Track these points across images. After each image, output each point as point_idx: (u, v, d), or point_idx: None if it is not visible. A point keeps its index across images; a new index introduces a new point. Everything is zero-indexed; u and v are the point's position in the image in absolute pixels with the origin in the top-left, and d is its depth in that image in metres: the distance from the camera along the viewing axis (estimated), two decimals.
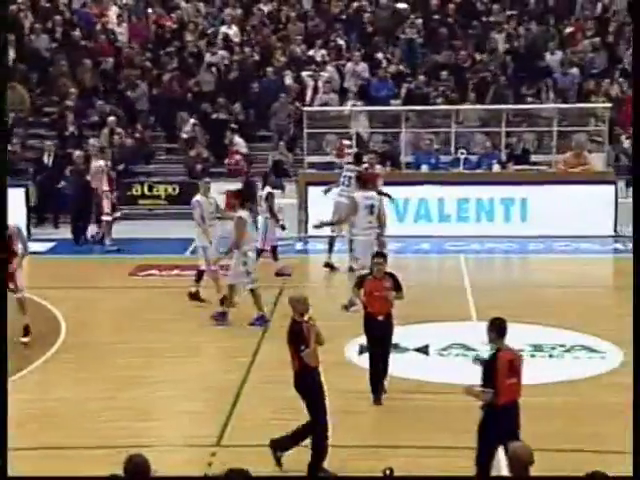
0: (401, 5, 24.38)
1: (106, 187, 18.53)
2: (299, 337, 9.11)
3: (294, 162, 20.91)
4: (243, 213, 13.78)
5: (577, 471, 8.31)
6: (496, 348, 8.28)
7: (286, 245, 17.65)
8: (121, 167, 20.40)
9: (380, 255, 11.33)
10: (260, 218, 16.24)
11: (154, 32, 24.59)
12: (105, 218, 18.59)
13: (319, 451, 9.01)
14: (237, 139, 21.33)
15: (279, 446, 9.21)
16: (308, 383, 9.13)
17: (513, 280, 16.47)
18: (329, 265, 16.71)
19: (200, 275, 14.79)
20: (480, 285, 15.46)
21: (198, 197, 14.94)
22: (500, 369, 8.12)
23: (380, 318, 10.87)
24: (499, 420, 8.11)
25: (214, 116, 22.02)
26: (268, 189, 16.53)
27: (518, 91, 22.07)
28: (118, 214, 18.91)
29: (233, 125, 21.58)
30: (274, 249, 16.42)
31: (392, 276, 11.01)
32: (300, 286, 16.05)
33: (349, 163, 17.02)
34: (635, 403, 8.77)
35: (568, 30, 23.42)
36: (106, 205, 18.51)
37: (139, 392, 11.36)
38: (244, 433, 10.17)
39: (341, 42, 23.72)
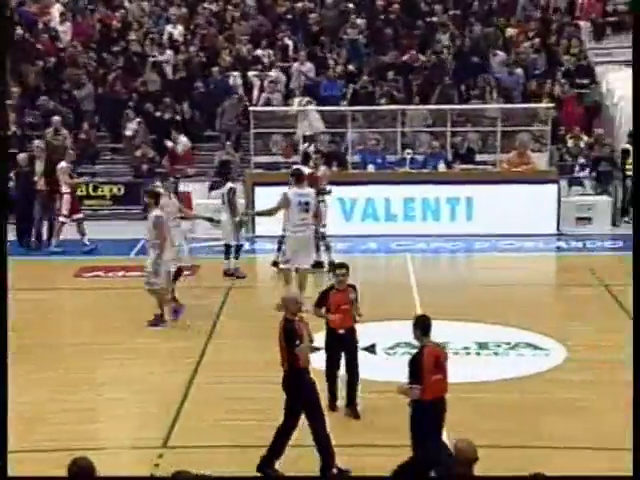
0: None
1: (68, 189, 18.36)
2: (293, 335, 8.97)
3: (241, 162, 20.85)
4: (159, 212, 13.64)
5: (524, 467, 8.44)
6: (422, 345, 8.42)
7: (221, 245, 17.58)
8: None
9: (342, 266, 10.62)
10: (224, 215, 16.15)
11: (98, 31, 24.35)
12: (61, 219, 18.35)
13: (275, 449, 8.97)
14: (182, 138, 21.22)
15: (265, 464, 9.03)
16: (294, 384, 9.02)
17: (459, 279, 16.59)
18: (277, 264, 16.69)
19: (178, 273, 14.46)
20: (426, 284, 15.55)
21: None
22: (426, 365, 8.25)
23: (342, 332, 10.36)
24: (427, 415, 8.22)
25: (158, 115, 21.86)
26: (229, 185, 16.45)
27: (462, 91, 22.22)
28: (80, 215, 18.60)
29: (177, 124, 21.48)
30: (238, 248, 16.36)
31: (354, 288, 10.55)
32: (248, 286, 16.08)
33: (296, 163, 16.99)
34: (635, 402, 8.86)
35: (511, 31, 23.64)
36: (65, 207, 18.31)
37: (86, 394, 11.26)
38: (191, 434, 10.12)
39: (288, 42, 23.71)
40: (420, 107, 21.51)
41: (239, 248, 16.35)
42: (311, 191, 14.74)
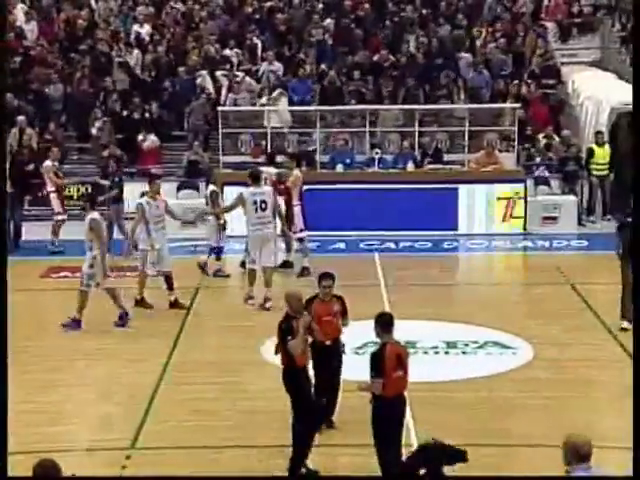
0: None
1: (52, 187, 18.24)
2: (288, 332, 8.96)
3: (210, 162, 20.75)
4: (96, 215, 13.60)
5: (493, 465, 8.46)
6: (383, 342, 8.48)
7: (204, 245, 17.50)
8: (31, 167, 19.95)
9: (328, 276, 10.02)
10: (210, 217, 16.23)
11: (64, 30, 24.16)
12: (57, 218, 18.20)
13: (298, 448, 8.88)
14: (151, 137, 21.09)
15: (294, 466, 8.95)
16: (291, 380, 9.03)
17: (427, 278, 16.58)
18: (244, 264, 16.64)
19: (169, 280, 14.48)
20: (394, 283, 15.55)
21: (143, 199, 14.59)
22: (387, 362, 8.33)
23: (328, 343, 9.85)
24: (389, 412, 8.28)
25: (126, 114, 21.74)
26: (212, 187, 16.41)
27: (429, 92, 22.27)
28: (65, 216, 18.42)
29: (146, 123, 21.38)
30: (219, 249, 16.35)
31: (340, 299, 10.12)
32: (217, 286, 16.01)
33: (263, 164, 16.92)
34: (635, 402, 8.89)
35: (477, 32, 23.72)
36: (56, 205, 18.19)
37: (53, 396, 11.17)
38: (159, 435, 10.06)
39: (256, 42, 23.66)
40: (389, 107, 21.53)
41: (221, 250, 16.33)
42: (268, 189, 14.81)
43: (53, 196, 18.41)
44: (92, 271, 13.45)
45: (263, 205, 14.47)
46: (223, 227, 16.30)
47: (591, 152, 19.69)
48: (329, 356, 9.89)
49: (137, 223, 14.48)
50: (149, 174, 16.93)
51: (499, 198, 18.97)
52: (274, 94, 21.44)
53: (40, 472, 6.11)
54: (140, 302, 14.45)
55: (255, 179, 14.76)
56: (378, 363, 8.35)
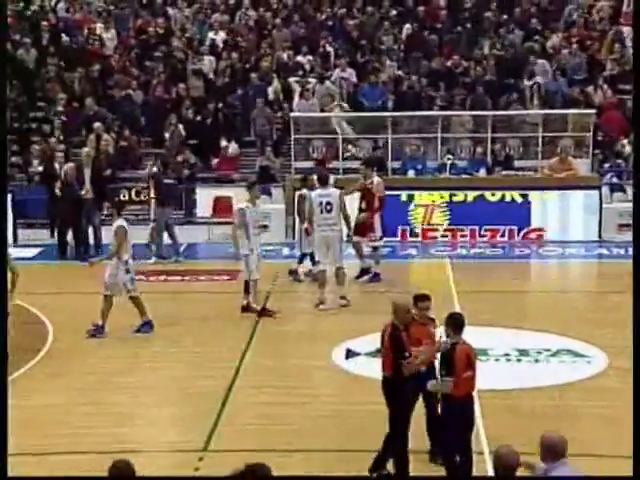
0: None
1: (154, 194, 18.09)
2: (400, 344, 8.77)
3: (281, 167, 20.86)
4: (122, 222, 13.62)
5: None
6: (453, 342, 8.44)
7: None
8: (108, 172, 20.30)
9: (424, 298, 9.36)
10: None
11: (140, 38, 24.51)
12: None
13: (398, 461, 8.75)
14: (232, 144, 21.29)
15: (375, 468, 8.91)
16: (395, 390, 8.84)
17: (500, 285, 16.37)
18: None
19: (247, 285, 14.44)
20: (467, 290, 15.38)
21: (244, 204, 14.51)
22: (458, 362, 8.31)
23: (423, 369, 8.98)
24: (458, 411, 8.22)
25: (199, 120, 21.97)
26: (302, 191, 16.30)
27: (502, 97, 22.09)
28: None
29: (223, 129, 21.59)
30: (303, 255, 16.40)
31: (434, 320, 9.49)
32: (287, 290, 16.03)
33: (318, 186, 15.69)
34: (635, 405, 8.73)
35: (554, 38, 23.43)
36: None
37: (123, 398, 11.26)
38: (231, 438, 10.10)
39: (329, 49, 23.72)
40: (461, 113, 21.40)
41: (306, 255, 16.26)
42: (334, 191, 14.75)
43: (154, 203, 18.10)
44: (129, 276, 13.50)
45: (328, 207, 14.54)
46: (307, 232, 16.01)
47: None
48: (423, 384, 9.12)
49: (237, 228, 14.39)
50: (249, 180, 16.57)
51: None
52: (330, 105, 21.46)
53: (115, 472, 6.16)
54: (247, 309, 14.36)
55: (323, 181, 14.86)
56: (449, 362, 8.36)
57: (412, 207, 19.07)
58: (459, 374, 8.33)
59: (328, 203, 14.58)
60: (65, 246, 18.42)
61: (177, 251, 17.89)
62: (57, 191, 18.24)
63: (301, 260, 16.21)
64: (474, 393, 8.53)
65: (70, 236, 18.31)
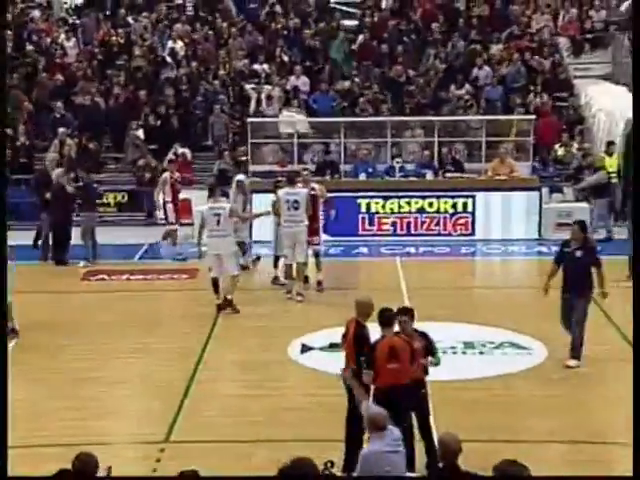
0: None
1: (169, 198, 17.89)
2: (363, 342, 8.86)
3: (238, 171, 20.78)
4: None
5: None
6: (381, 335, 8.66)
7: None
8: (72, 176, 20.05)
9: (405, 311, 9.10)
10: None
11: (102, 47, 24.31)
12: (171, 228, 17.91)
13: (353, 445, 8.72)
14: (183, 149, 21.20)
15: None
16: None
17: (446, 282, 16.49)
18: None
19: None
20: (416, 287, 15.47)
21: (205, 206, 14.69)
22: (379, 354, 8.51)
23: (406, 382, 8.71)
24: (382, 401, 8.27)
25: (159, 125, 21.86)
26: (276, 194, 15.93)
27: (447, 104, 22.25)
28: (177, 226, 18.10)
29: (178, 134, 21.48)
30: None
31: (423, 334, 9.14)
32: (247, 289, 16.01)
33: (284, 185, 15.60)
34: (635, 402, 8.84)
35: (494, 48, 23.63)
36: (171, 216, 17.89)
37: (90, 392, 11.19)
38: (191, 430, 10.08)
39: (284, 57, 23.71)
40: (409, 118, 21.53)
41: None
42: (301, 191, 14.84)
43: (169, 207, 17.89)
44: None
45: (295, 205, 14.75)
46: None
47: (602, 162, 19.54)
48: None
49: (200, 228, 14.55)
50: (287, 176, 15.96)
51: None
52: (289, 111, 21.48)
53: (78, 465, 6.14)
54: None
55: (290, 181, 15.13)
56: (369, 355, 8.57)
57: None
58: (380, 365, 8.49)
59: (295, 201, 14.75)
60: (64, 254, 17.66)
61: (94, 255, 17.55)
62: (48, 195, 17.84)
63: (276, 263, 16.04)
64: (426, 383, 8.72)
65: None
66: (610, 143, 19.69)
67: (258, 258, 17.12)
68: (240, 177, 17.40)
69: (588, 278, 11.67)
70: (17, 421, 10.03)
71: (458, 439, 6.71)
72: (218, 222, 14.18)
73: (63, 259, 17.41)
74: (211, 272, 14.34)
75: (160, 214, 18.82)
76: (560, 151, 20.68)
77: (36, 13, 25.04)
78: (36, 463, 8.78)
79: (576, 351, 11.65)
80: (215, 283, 14.25)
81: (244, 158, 20.19)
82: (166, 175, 18.28)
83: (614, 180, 19.49)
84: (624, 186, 18.99)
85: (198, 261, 16.32)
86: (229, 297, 14.13)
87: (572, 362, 11.62)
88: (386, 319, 8.75)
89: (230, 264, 14.24)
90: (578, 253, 11.63)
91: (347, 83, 22.87)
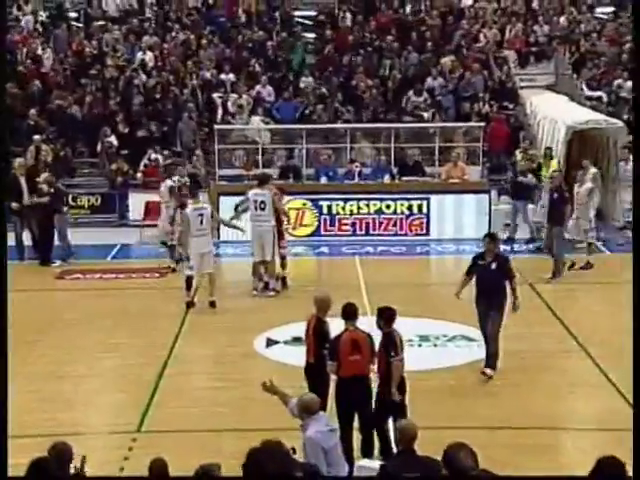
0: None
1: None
2: (325, 336, 8.95)
3: (206, 175, 20.70)
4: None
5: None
6: (344, 329, 8.71)
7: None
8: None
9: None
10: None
11: (75, 57, 24.06)
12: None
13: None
14: (157, 155, 21.03)
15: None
16: (315, 375, 8.99)
17: (403, 279, 16.52)
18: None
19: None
20: (374, 284, 15.48)
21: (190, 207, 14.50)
22: (342, 347, 8.55)
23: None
24: (343, 391, 8.39)
25: (131, 132, 21.69)
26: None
27: (403, 112, 22.33)
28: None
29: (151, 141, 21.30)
30: None
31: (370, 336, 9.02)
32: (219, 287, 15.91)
33: (253, 187, 15.54)
34: (635, 400, 8.87)
35: (446, 59, 23.72)
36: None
37: (63, 385, 11.08)
38: (162, 420, 10.00)
39: (250, 68, 23.63)
40: (367, 125, 21.57)
41: None
42: (267, 193, 14.83)
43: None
44: None
45: (262, 205, 14.70)
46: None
47: (540, 165, 19.67)
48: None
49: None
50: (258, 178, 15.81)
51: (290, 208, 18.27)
52: (252, 118, 21.46)
53: (54, 453, 6.07)
54: None
55: (260, 182, 15.13)
56: (332, 348, 8.61)
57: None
58: (342, 357, 8.52)
59: (262, 202, 14.73)
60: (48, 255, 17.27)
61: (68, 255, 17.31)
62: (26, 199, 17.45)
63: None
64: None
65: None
66: (547, 148, 19.81)
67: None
68: (170, 182, 16.96)
69: (502, 290, 11.07)
70: None
71: (415, 426, 6.79)
72: (201, 222, 14.16)
73: (48, 259, 17.12)
74: (187, 270, 14.20)
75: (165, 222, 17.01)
76: (519, 156, 20.78)
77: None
78: (12, 453, 8.63)
79: (491, 360, 11.04)
80: (189, 281, 14.12)
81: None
82: (168, 182, 17.13)
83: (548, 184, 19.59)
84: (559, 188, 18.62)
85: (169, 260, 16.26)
86: (213, 298, 14.10)
87: (488, 370, 10.99)
88: (349, 313, 8.76)
89: (209, 262, 14.27)
90: (492, 266, 11.09)
91: (310, 79, 22.83)
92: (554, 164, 19.14)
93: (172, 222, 16.04)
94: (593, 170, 17.84)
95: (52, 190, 17.45)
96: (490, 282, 11.01)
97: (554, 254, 15.85)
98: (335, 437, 7.27)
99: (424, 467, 6.44)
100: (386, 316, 8.80)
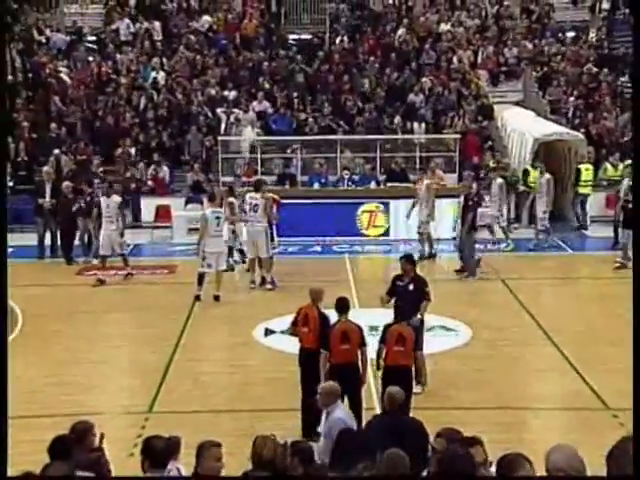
0: None
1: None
2: (328, 323, 8.92)
3: (210, 181, 20.62)
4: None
5: (438, 424, 8.41)
6: (337, 320, 8.70)
7: None
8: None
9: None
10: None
11: (95, 76, 23.95)
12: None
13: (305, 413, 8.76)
14: (163, 168, 20.98)
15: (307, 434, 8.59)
16: (312, 360, 8.89)
17: (387, 274, 16.43)
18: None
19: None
20: (362, 280, 15.45)
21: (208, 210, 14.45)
22: (333, 337, 8.55)
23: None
24: (336, 377, 8.21)
25: (145, 143, 21.61)
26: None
27: (388, 124, 22.29)
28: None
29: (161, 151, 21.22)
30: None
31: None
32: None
33: (250, 191, 15.48)
34: (635, 399, 8.83)
35: (426, 79, 23.66)
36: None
37: (81, 370, 11.00)
38: (171, 402, 9.95)
39: (249, 86, 23.56)
40: (355, 137, 21.55)
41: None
42: (259, 197, 14.79)
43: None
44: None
45: (255, 208, 14.66)
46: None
47: (527, 172, 19.62)
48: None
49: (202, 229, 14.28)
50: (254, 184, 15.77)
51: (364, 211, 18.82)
52: (245, 129, 21.40)
53: (79, 428, 5.98)
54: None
55: (255, 187, 15.13)
56: (326, 337, 8.60)
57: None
58: (334, 346, 8.50)
59: (255, 205, 14.67)
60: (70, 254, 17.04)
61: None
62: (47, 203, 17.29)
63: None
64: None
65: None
66: (534, 160, 19.63)
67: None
68: (232, 199, 15.96)
69: (419, 311, 10.13)
70: (16, 396, 9.82)
71: (401, 392, 7.03)
72: (218, 224, 14.14)
73: (71, 258, 16.94)
74: (203, 268, 14.05)
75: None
76: (492, 163, 20.73)
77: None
78: (33, 431, 8.59)
79: (419, 376, 9.97)
80: (202, 277, 14.03)
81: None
82: (231, 199, 15.92)
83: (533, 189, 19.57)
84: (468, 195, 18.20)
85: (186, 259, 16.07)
86: (218, 293, 14.01)
87: (417, 388, 9.66)
88: (342, 307, 8.72)
89: (223, 260, 14.35)
90: (410, 287, 10.13)
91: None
92: (536, 173, 19.12)
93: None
94: (548, 176, 17.93)
95: (73, 195, 17.33)
96: (408, 303, 9.93)
97: (464, 255, 15.79)
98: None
99: (410, 423, 6.91)
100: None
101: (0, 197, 11.84)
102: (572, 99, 22.98)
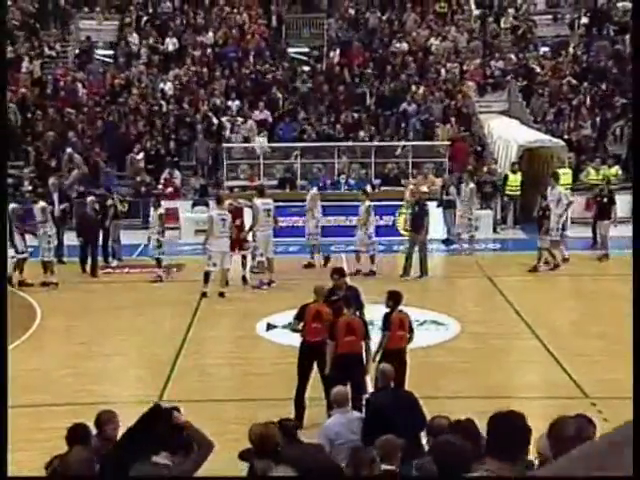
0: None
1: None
2: (339, 312, 8.97)
3: (215, 185, 20.64)
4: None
5: (429, 412, 8.41)
6: (342, 314, 8.77)
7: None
8: (81, 189, 19.72)
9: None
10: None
11: (109, 86, 23.95)
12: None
13: (296, 405, 8.83)
14: (176, 172, 20.98)
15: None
16: (316, 353, 8.89)
17: (381, 272, 16.45)
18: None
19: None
20: (359, 276, 15.41)
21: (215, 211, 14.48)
22: (338, 329, 8.61)
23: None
24: (340, 366, 8.36)
25: (155, 149, 21.62)
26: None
27: (383, 132, 22.28)
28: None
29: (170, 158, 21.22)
30: None
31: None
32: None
33: (257, 196, 15.07)
34: (635, 398, 8.81)
35: (416, 89, 23.64)
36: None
37: (94, 363, 10.99)
38: (180, 391, 9.93)
39: (252, 97, 23.55)
40: (352, 144, 21.55)
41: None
42: (272, 202, 14.83)
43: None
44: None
45: (270, 213, 14.61)
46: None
47: (506, 177, 19.64)
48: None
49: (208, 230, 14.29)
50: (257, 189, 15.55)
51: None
52: (256, 137, 21.41)
53: (105, 417, 5.95)
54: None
55: (262, 193, 15.03)
56: (331, 330, 8.62)
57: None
58: (339, 338, 8.54)
59: (269, 209, 14.63)
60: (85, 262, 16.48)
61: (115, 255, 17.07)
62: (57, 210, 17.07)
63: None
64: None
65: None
66: (514, 163, 19.70)
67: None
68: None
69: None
70: (33, 386, 9.85)
71: (392, 370, 7.28)
72: (224, 225, 14.08)
73: (105, 261, 16.66)
74: (209, 266, 13.98)
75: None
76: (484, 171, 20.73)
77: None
78: (49, 419, 8.58)
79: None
80: (208, 276, 13.98)
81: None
82: (257, 201, 15.26)
83: (517, 193, 19.56)
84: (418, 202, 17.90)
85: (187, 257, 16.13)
86: (223, 290, 13.98)
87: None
88: (346, 301, 8.81)
89: (228, 259, 14.22)
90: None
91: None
92: (516, 178, 19.11)
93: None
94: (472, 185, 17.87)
95: (99, 207, 16.98)
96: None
97: (421, 256, 15.68)
98: (350, 434, 6.70)
99: (406, 396, 7.14)
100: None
101: (0, 197, 11.88)
102: (553, 109, 23.05)
